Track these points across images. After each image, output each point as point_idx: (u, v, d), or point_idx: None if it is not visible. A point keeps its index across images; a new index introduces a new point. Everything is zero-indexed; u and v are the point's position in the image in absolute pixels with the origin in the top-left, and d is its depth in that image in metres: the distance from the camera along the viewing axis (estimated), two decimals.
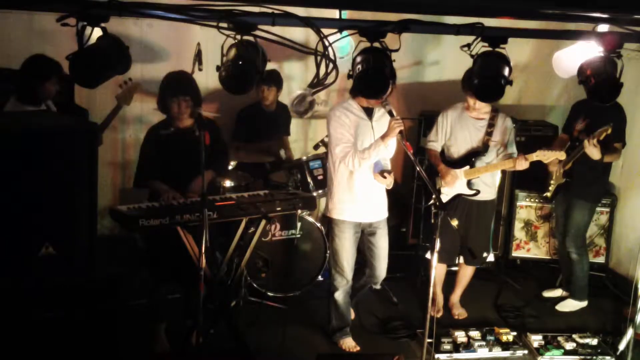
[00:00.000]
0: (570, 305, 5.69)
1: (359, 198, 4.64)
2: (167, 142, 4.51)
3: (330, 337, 4.95)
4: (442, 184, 5.14)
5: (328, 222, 4.83)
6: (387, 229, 4.83)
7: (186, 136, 4.48)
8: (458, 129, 5.11)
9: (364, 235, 4.78)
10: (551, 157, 4.99)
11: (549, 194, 5.63)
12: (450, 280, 5.52)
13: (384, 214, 4.81)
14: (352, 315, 5.08)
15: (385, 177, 4.58)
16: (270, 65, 4.08)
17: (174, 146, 4.49)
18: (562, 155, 5.03)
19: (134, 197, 4.75)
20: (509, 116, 5.20)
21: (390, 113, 4.39)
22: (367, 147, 4.49)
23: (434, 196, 4.23)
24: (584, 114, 5.41)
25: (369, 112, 4.61)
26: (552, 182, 5.55)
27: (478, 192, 5.08)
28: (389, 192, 4.85)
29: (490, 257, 5.44)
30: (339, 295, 4.84)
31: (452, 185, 5.06)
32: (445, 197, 5.11)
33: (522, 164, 4.91)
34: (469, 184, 5.09)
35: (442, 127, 5.16)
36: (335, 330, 4.93)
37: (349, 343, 4.90)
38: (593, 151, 5.07)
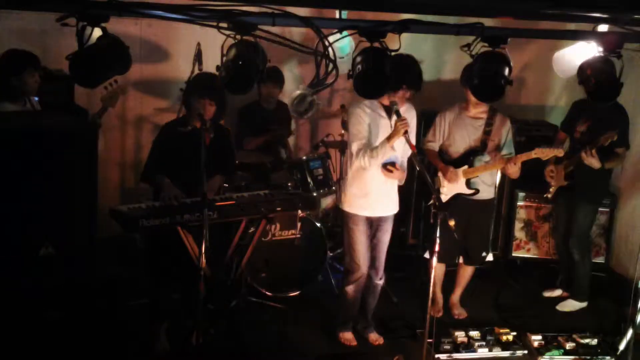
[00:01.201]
0: (571, 305, 5.68)
1: (370, 193, 4.66)
2: (182, 139, 4.51)
3: (333, 328, 4.97)
4: (442, 183, 5.14)
5: (341, 214, 4.85)
6: (392, 223, 4.85)
7: (200, 137, 4.47)
8: (456, 128, 5.11)
9: (371, 229, 4.80)
10: (549, 154, 4.99)
11: (549, 195, 5.63)
12: (450, 280, 5.52)
13: (394, 209, 4.83)
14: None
15: (391, 172, 4.58)
16: (269, 65, 4.08)
17: (189, 145, 4.48)
18: (560, 152, 5.03)
19: (134, 197, 4.76)
20: (507, 116, 5.20)
21: (397, 113, 4.40)
22: (375, 147, 4.51)
23: (433, 196, 4.23)
24: (585, 115, 5.39)
25: (389, 111, 4.61)
26: (552, 183, 5.54)
27: (477, 191, 5.08)
28: None
29: (489, 257, 5.43)
30: (350, 289, 4.83)
31: (455, 182, 5.06)
32: (444, 196, 5.10)
33: (511, 167, 4.91)
34: (468, 184, 5.09)
35: (439, 128, 5.17)
36: (339, 323, 4.96)
37: (347, 336, 4.91)
38: (592, 161, 5.08)
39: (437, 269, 4.43)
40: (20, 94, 4.51)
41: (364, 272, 4.78)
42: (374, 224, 4.78)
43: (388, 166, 4.59)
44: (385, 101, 4.57)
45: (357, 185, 4.69)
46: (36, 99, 4.68)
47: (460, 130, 5.11)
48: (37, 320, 3.50)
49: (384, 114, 4.61)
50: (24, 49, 4.60)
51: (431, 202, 4.85)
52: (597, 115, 5.25)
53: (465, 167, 5.06)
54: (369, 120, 4.59)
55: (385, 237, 4.82)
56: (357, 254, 4.74)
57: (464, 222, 5.07)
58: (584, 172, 5.29)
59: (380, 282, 4.92)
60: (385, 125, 4.60)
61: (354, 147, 4.60)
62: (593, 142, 5.10)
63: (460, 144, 5.11)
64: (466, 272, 5.44)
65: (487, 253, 5.39)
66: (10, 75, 4.44)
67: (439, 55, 6.77)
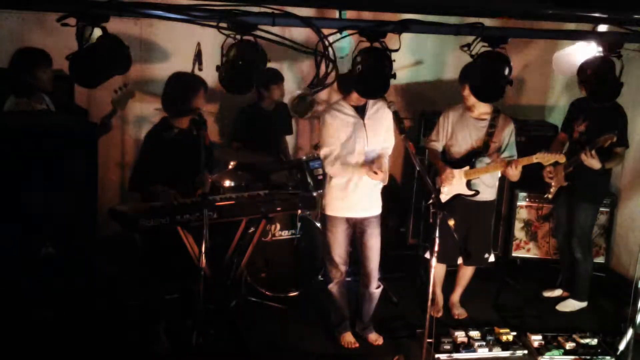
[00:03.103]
0: (571, 305, 5.68)
1: (351, 194, 4.66)
2: (171, 144, 4.50)
3: (332, 331, 4.97)
4: (441, 182, 5.14)
5: (322, 217, 4.87)
6: (379, 228, 4.82)
7: (187, 137, 4.47)
8: (459, 129, 5.11)
9: (356, 233, 4.80)
10: (551, 159, 4.99)
11: (550, 196, 5.62)
12: (450, 280, 5.52)
13: (376, 210, 4.80)
14: None
15: (376, 173, 4.56)
16: (270, 65, 4.08)
17: (177, 148, 4.47)
18: (562, 158, 5.02)
19: (135, 197, 4.75)
20: (510, 118, 5.19)
21: (395, 115, 4.40)
22: (348, 165, 4.55)
23: (432, 195, 4.23)
24: (583, 114, 5.39)
25: (360, 111, 4.62)
26: (553, 184, 5.54)
27: (477, 192, 5.08)
28: (390, 192, 4.84)
29: (491, 258, 5.43)
30: (333, 287, 4.85)
31: (450, 183, 5.06)
32: (444, 196, 5.10)
33: (512, 170, 4.91)
34: (469, 185, 5.09)
35: (443, 127, 5.16)
36: (334, 324, 4.96)
37: (348, 338, 4.91)
38: (592, 162, 5.08)
39: (437, 269, 4.43)
40: (34, 90, 4.54)
41: (342, 271, 4.81)
42: (357, 227, 4.78)
43: (374, 168, 4.57)
44: (354, 101, 4.57)
45: (335, 188, 4.69)
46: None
47: (462, 130, 5.10)
48: (37, 320, 3.50)
49: (355, 114, 4.61)
50: (35, 47, 4.62)
51: (430, 201, 4.86)
52: (595, 115, 5.25)
53: (467, 168, 5.06)
54: (339, 123, 4.58)
55: (373, 241, 4.79)
56: (335, 254, 4.76)
57: (465, 223, 5.07)
58: (584, 172, 5.28)
59: (376, 291, 4.92)
60: (358, 126, 4.60)
61: (321, 153, 4.65)
62: (592, 143, 5.10)
63: (462, 144, 5.11)
64: (466, 272, 5.44)
65: (489, 254, 5.38)
66: (23, 72, 4.49)
67: (439, 56, 6.76)
